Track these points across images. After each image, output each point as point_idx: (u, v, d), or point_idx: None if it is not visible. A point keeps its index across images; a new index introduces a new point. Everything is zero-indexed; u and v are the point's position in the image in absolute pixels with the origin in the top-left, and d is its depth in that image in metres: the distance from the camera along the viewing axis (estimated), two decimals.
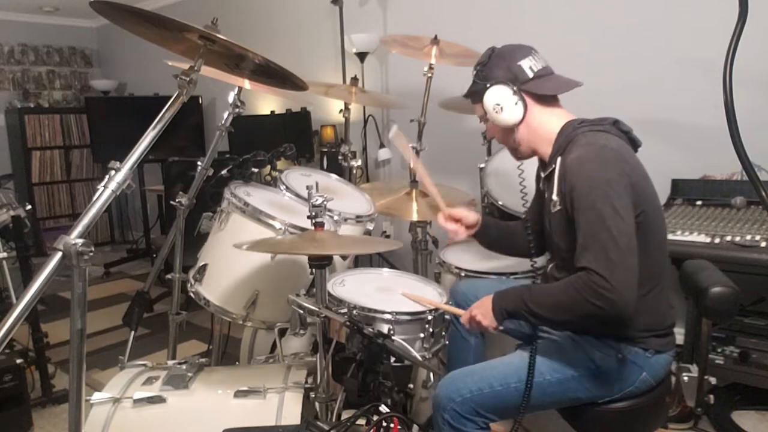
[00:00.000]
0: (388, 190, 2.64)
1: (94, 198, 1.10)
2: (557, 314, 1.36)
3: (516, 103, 1.49)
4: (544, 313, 1.37)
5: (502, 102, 1.50)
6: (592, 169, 1.35)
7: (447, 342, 1.90)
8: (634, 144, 1.49)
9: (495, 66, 1.52)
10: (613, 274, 1.25)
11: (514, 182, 1.81)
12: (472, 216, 1.81)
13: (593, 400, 1.46)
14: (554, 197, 1.45)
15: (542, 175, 1.61)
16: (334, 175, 2.48)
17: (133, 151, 1.17)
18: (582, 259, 1.31)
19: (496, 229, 1.86)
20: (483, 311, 1.49)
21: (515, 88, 1.49)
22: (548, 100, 1.54)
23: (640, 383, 1.44)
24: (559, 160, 1.44)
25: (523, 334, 1.74)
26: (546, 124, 1.52)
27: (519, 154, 1.62)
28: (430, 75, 2.69)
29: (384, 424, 1.21)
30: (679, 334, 2.29)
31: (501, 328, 1.48)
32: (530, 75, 1.50)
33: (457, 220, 1.81)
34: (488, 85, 1.51)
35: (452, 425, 1.42)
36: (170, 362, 1.75)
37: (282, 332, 1.91)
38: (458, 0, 3.41)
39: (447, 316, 1.87)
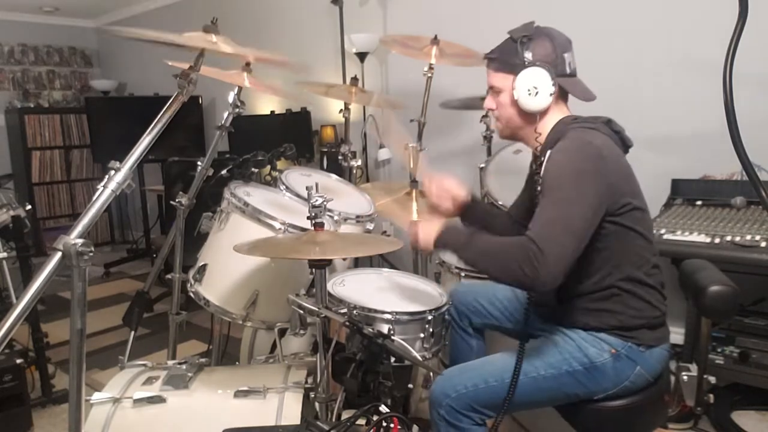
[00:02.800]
0: (388, 190, 2.64)
1: (94, 198, 1.10)
2: (484, 264, 1.41)
3: (551, 94, 1.44)
4: (474, 258, 1.44)
5: (540, 86, 1.43)
6: (570, 158, 1.38)
7: (447, 342, 1.90)
8: (625, 144, 1.50)
9: (542, 45, 1.45)
10: (550, 249, 1.26)
11: (515, 182, 1.81)
12: (462, 195, 1.77)
13: (589, 395, 1.46)
14: (539, 188, 1.46)
15: (533, 167, 1.61)
16: (334, 175, 2.48)
17: (133, 151, 1.17)
18: (530, 229, 1.33)
19: (482, 211, 1.82)
20: (425, 238, 1.53)
21: (555, 77, 1.44)
22: (564, 98, 1.53)
23: (635, 377, 1.44)
24: (548, 153, 1.45)
25: (521, 332, 1.73)
26: (551, 119, 1.51)
27: (505, 134, 1.60)
28: (430, 75, 2.69)
29: (384, 424, 1.21)
30: (679, 334, 2.30)
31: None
32: (568, 71, 1.48)
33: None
34: (530, 63, 1.44)
35: (448, 421, 1.43)
36: (170, 362, 1.75)
37: (282, 332, 1.91)
38: (458, 0, 3.41)
39: (447, 316, 1.87)
